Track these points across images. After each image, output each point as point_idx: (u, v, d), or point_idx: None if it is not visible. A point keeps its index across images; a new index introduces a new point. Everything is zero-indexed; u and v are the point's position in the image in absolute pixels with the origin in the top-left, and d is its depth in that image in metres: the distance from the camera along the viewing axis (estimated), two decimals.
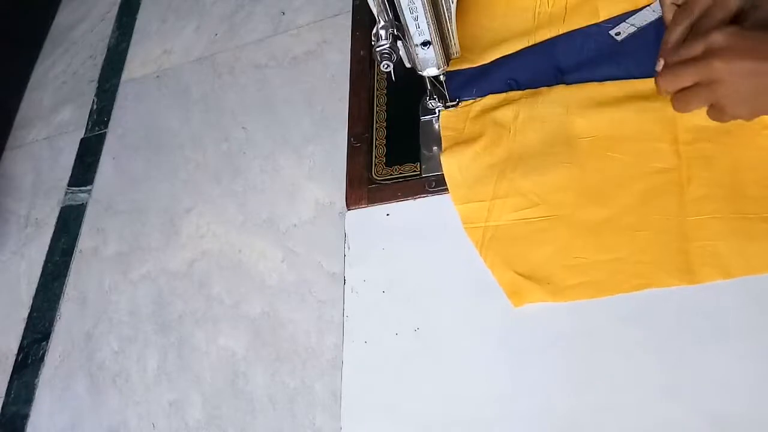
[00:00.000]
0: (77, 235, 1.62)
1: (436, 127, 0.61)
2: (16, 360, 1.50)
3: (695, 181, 0.49)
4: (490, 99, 0.60)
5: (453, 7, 0.51)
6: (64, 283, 1.56)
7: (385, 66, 0.51)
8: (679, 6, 0.52)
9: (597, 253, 0.50)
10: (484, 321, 0.50)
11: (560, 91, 0.57)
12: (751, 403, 0.42)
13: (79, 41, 2.04)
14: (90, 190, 1.68)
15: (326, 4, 1.62)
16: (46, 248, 1.64)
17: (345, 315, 0.54)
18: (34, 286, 1.60)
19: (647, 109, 0.53)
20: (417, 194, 0.58)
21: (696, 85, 0.47)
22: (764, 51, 0.43)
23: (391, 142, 0.62)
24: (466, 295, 0.52)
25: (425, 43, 0.52)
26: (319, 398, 1.19)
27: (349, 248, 0.57)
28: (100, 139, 1.75)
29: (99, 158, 1.72)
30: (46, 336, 1.50)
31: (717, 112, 0.47)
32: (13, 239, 1.71)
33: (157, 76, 1.78)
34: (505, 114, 0.58)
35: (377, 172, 0.60)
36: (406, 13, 0.49)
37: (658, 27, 0.56)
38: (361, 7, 0.73)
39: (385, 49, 0.50)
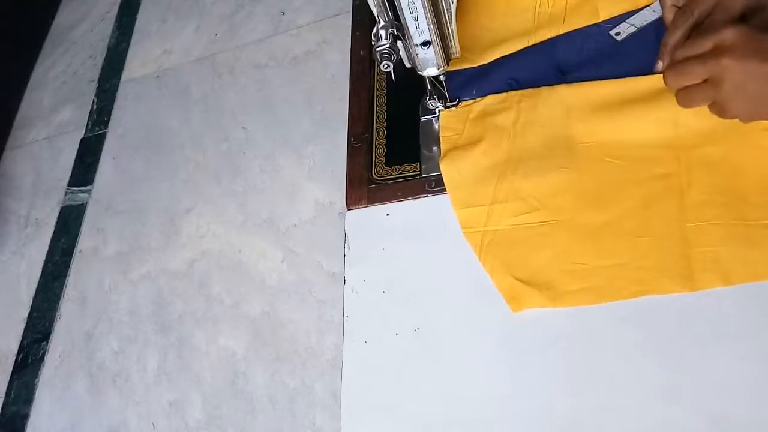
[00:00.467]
0: (77, 235, 1.62)
1: (436, 127, 0.60)
2: (16, 360, 1.50)
3: (695, 187, 0.49)
4: (491, 99, 0.60)
5: (453, 7, 0.51)
6: (64, 283, 1.56)
7: (385, 66, 0.51)
8: (679, 8, 0.52)
9: (597, 259, 0.49)
10: (484, 321, 0.50)
11: (560, 94, 0.57)
12: (751, 404, 0.42)
13: (79, 41, 2.04)
14: (90, 190, 1.68)
15: (326, 4, 1.62)
16: (46, 248, 1.64)
17: (345, 315, 0.54)
18: (34, 286, 1.59)
19: (647, 114, 0.53)
20: (417, 194, 0.58)
21: (703, 81, 0.46)
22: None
23: (391, 142, 0.62)
24: (466, 295, 0.52)
25: (425, 43, 0.52)
26: (319, 398, 1.19)
27: (349, 248, 0.57)
28: (100, 139, 1.75)
29: (99, 158, 1.72)
30: (46, 336, 1.50)
31: (718, 109, 0.47)
32: (13, 239, 1.71)
33: (157, 76, 1.78)
34: (506, 118, 0.58)
35: (377, 172, 0.60)
36: (406, 13, 0.49)
37: (658, 27, 0.56)
38: (361, 7, 0.73)
39: (385, 49, 0.50)
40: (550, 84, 0.58)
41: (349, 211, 0.60)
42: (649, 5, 0.58)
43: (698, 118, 0.51)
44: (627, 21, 0.59)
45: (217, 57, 1.71)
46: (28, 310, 1.56)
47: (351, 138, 0.64)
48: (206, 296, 1.39)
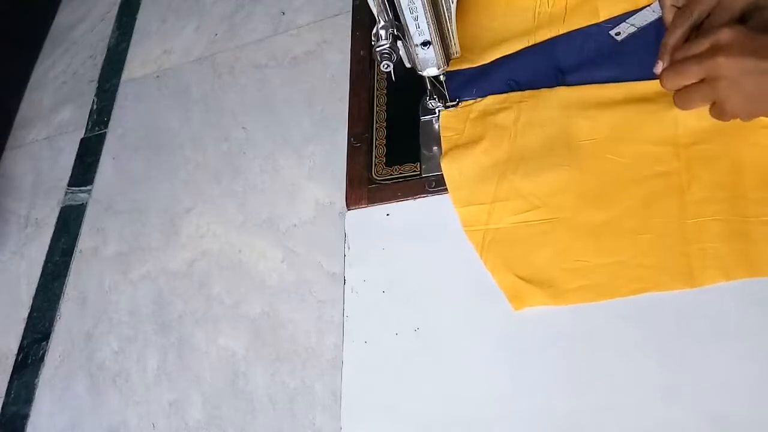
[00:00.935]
0: (77, 235, 1.62)
1: (436, 127, 0.61)
2: (16, 360, 1.50)
3: (696, 184, 0.49)
4: (491, 99, 0.60)
5: (453, 7, 0.51)
6: (64, 283, 1.56)
7: (385, 66, 0.51)
8: (679, 8, 0.52)
9: (598, 257, 0.49)
10: (484, 321, 0.50)
11: (561, 94, 0.57)
12: (751, 403, 0.42)
13: (79, 41, 2.04)
14: (90, 190, 1.68)
15: (326, 4, 1.62)
16: (46, 248, 1.64)
17: (345, 315, 0.54)
18: (34, 286, 1.60)
19: (647, 112, 0.53)
20: (417, 194, 0.58)
21: (700, 81, 0.47)
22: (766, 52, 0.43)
23: (391, 142, 0.62)
24: (466, 295, 0.52)
25: (425, 43, 0.52)
26: (319, 398, 1.19)
27: (349, 248, 0.57)
28: (100, 139, 1.75)
29: (99, 158, 1.72)
30: (46, 336, 1.50)
31: (717, 110, 0.47)
32: (13, 239, 1.71)
33: (157, 76, 1.78)
34: (506, 117, 0.58)
35: (377, 172, 0.60)
36: (406, 13, 0.49)
37: (658, 27, 0.56)
38: (361, 7, 0.73)
39: (385, 49, 0.50)
40: (550, 84, 0.58)
41: (349, 211, 0.60)
42: (649, 5, 0.58)
43: (698, 118, 0.51)
44: (627, 21, 0.59)
45: (217, 57, 1.71)
46: (28, 310, 1.56)
47: (351, 138, 0.64)
48: (206, 296, 1.39)
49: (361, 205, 0.59)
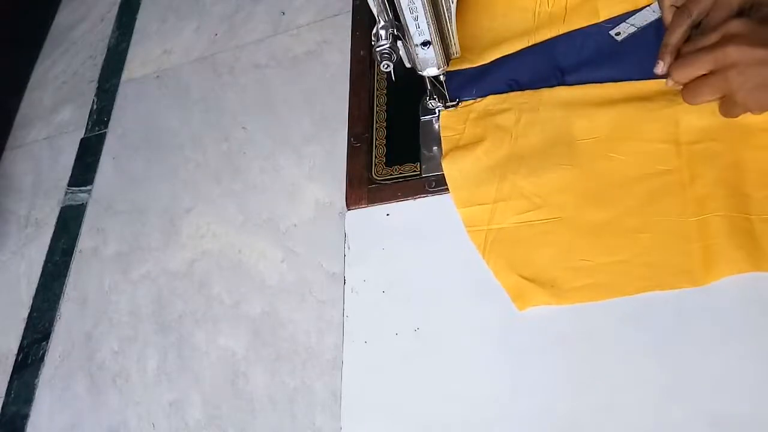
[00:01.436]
0: (77, 235, 1.62)
1: (436, 127, 0.61)
2: (16, 360, 1.50)
3: (698, 181, 0.49)
4: (491, 99, 0.60)
5: (453, 7, 0.51)
6: (64, 283, 1.56)
7: (385, 66, 0.51)
8: (678, 8, 0.52)
9: (601, 256, 0.49)
10: (484, 321, 0.50)
11: (561, 94, 0.57)
12: (752, 403, 0.42)
13: (79, 41, 2.04)
14: (90, 190, 1.68)
15: (326, 4, 1.62)
16: (46, 248, 1.64)
17: (345, 315, 0.54)
18: (34, 286, 1.59)
19: (647, 110, 0.53)
20: (417, 194, 0.58)
21: (709, 73, 0.46)
22: None
23: (391, 142, 0.62)
24: (466, 295, 0.52)
25: (425, 43, 0.52)
26: (319, 398, 1.19)
27: (349, 248, 0.57)
28: (100, 139, 1.75)
29: (99, 158, 1.72)
30: (46, 336, 1.50)
31: (728, 104, 0.47)
32: (13, 239, 1.71)
33: (157, 76, 1.78)
34: (507, 118, 0.58)
35: (377, 172, 0.60)
36: (406, 13, 0.49)
37: (658, 27, 0.56)
38: (361, 7, 0.73)
39: (385, 49, 0.50)
40: (550, 84, 0.58)
41: (349, 211, 0.60)
42: (648, 5, 0.58)
43: (699, 116, 0.51)
44: (627, 21, 0.59)
45: (217, 57, 1.71)
46: (28, 310, 1.56)
47: (351, 138, 0.64)
48: (206, 296, 1.39)
49: (361, 205, 0.59)
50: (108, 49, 1.94)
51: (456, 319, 0.51)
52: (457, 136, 0.59)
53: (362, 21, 0.71)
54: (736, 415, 0.41)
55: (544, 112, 0.57)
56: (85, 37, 2.03)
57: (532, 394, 0.46)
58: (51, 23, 2.13)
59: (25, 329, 1.54)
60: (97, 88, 1.87)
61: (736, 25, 0.45)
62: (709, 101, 0.49)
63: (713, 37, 0.47)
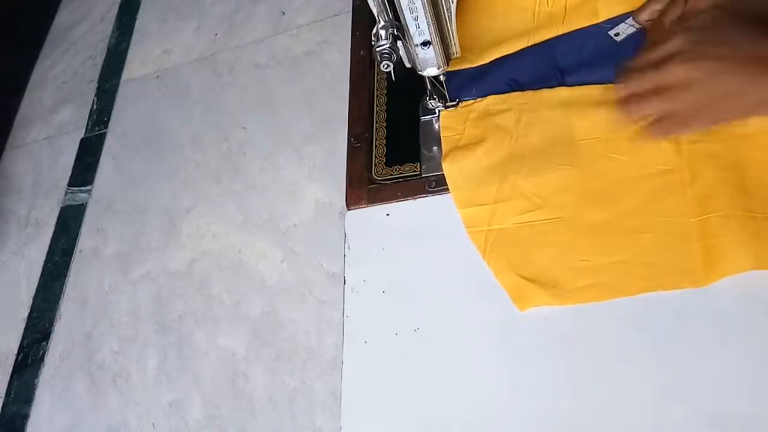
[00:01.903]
0: (77, 235, 1.62)
1: (436, 127, 0.61)
2: (16, 360, 1.50)
3: (699, 181, 0.49)
4: (491, 100, 0.60)
5: (453, 7, 0.51)
6: (64, 283, 1.56)
7: (385, 66, 0.51)
8: (653, 21, 0.54)
9: (602, 256, 0.49)
10: (484, 321, 0.50)
11: (561, 94, 0.57)
12: (752, 403, 0.42)
13: (79, 41, 2.04)
14: (90, 190, 1.68)
15: (326, 4, 1.62)
16: (46, 248, 1.64)
17: (345, 315, 0.54)
18: (34, 286, 1.59)
19: None
20: (417, 194, 0.58)
21: (653, 91, 0.46)
22: (719, 52, 0.44)
23: (391, 142, 0.62)
24: (466, 295, 0.52)
25: (425, 43, 0.52)
26: (319, 398, 1.19)
27: (349, 248, 0.57)
28: (100, 139, 1.75)
29: (99, 158, 1.72)
30: (46, 336, 1.50)
31: (676, 121, 0.46)
32: (13, 239, 1.71)
33: (157, 76, 1.78)
34: (507, 118, 0.58)
35: (377, 172, 0.60)
36: (406, 13, 0.49)
37: None
38: (361, 7, 0.73)
39: (385, 49, 0.50)
40: (550, 84, 0.58)
41: (349, 211, 0.60)
42: None
43: None
44: (626, 22, 0.59)
45: (217, 57, 1.71)
46: (28, 310, 1.56)
47: (351, 138, 0.64)
48: (206, 296, 1.39)
49: (361, 205, 0.59)
50: (108, 49, 1.94)
51: (456, 319, 0.51)
52: (457, 136, 0.59)
53: (362, 21, 0.71)
54: (736, 415, 0.41)
55: (544, 112, 0.57)
56: (85, 37, 2.04)
57: (532, 394, 0.46)
58: (51, 23, 2.13)
59: (25, 329, 1.54)
60: (97, 88, 1.87)
61: (677, 43, 0.45)
62: (643, 119, 0.48)
63: (657, 55, 0.46)
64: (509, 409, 0.46)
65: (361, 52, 0.69)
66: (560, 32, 0.60)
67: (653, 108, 0.47)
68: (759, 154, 0.48)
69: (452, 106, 0.61)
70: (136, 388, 1.35)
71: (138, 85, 1.80)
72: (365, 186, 0.60)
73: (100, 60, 1.94)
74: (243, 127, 1.56)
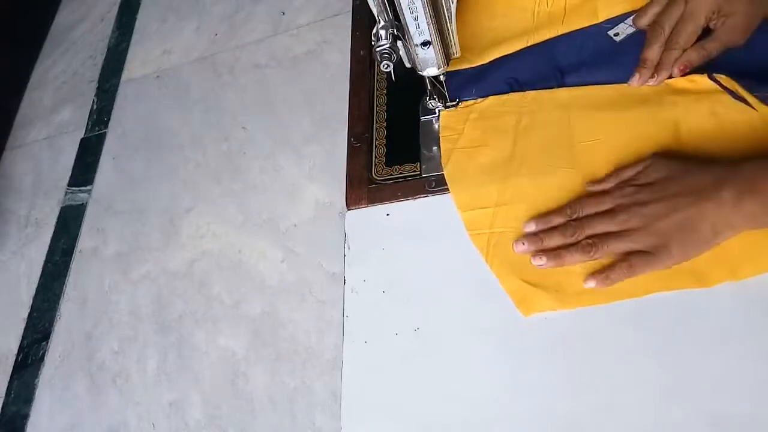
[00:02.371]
0: (77, 235, 1.62)
1: (436, 127, 0.61)
2: (16, 360, 1.50)
3: None
4: (491, 101, 0.60)
5: (453, 7, 0.51)
6: (64, 283, 1.56)
7: (385, 66, 0.51)
8: (651, 24, 0.55)
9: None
10: (484, 321, 0.50)
11: (561, 96, 0.57)
12: (751, 404, 0.42)
13: (79, 41, 2.04)
14: (90, 190, 1.68)
15: (326, 4, 1.62)
16: (46, 248, 1.64)
17: (345, 315, 0.54)
18: (34, 286, 1.59)
19: (647, 112, 0.53)
20: (417, 194, 0.58)
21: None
22: (671, 193, 0.46)
23: (391, 142, 0.62)
24: (466, 295, 0.52)
25: (425, 43, 0.52)
26: (319, 398, 1.19)
27: (349, 248, 0.57)
28: (100, 139, 1.75)
29: (99, 158, 1.72)
30: (46, 336, 1.50)
31: (637, 261, 0.47)
32: (13, 239, 1.71)
33: (157, 76, 1.78)
34: (507, 120, 0.58)
35: (377, 172, 0.60)
36: (406, 13, 0.49)
37: None
38: (361, 7, 0.73)
39: (385, 49, 0.50)
40: (550, 84, 0.58)
41: (349, 211, 0.60)
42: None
43: (699, 119, 0.51)
44: (625, 22, 0.59)
45: (217, 57, 1.71)
46: (28, 310, 1.56)
47: (351, 138, 0.64)
48: (206, 296, 1.39)
49: (361, 205, 0.59)
50: (108, 49, 1.94)
51: (456, 319, 0.51)
52: (457, 137, 0.59)
53: (362, 21, 0.71)
54: (736, 415, 0.41)
55: (544, 114, 0.57)
56: (85, 37, 2.03)
57: (532, 394, 0.46)
58: (51, 23, 2.13)
59: (25, 329, 1.54)
60: (97, 88, 1.87)
61: (630, 191, 0.48)
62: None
63: (604, 204, 0.49)
64: (509, 409, 0.46)
65: (361, 52, 0.69)
66: (560, 32, 0.61)
67: (616, 249, 0.48)
68: (760, 154, 0.48)
69: (452, 106, 0.61)
70: (136, 388, 1.35)
71: (138, 85, 1.80)
72: (365, 186, 0.60)
73: (100, 60, 1.94)
74: (243, 127, 1.56)
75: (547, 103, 0.57)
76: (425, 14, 0.49)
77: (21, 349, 1.51)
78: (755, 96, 0.49)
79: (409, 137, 0.61)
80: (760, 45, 0.53)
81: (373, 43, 0.51)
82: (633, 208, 0.47)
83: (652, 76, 0.54)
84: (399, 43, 0.52)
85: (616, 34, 0.58)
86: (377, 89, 0.66)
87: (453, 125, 0.60)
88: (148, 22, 1.93)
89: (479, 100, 0.60)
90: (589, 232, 0.49)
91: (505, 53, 0.62)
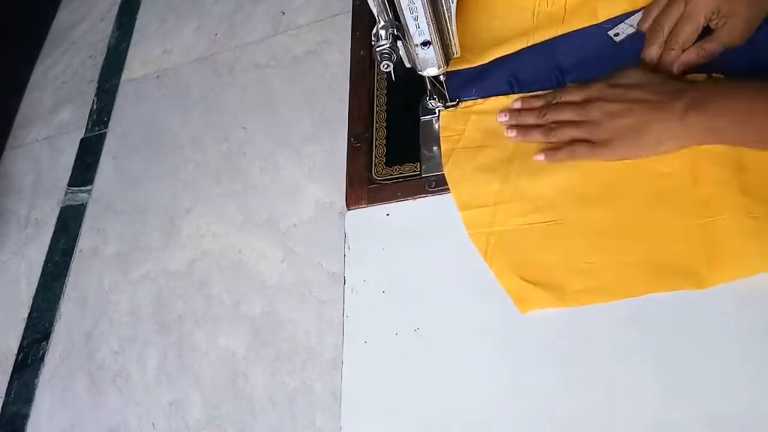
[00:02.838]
0: (77, 235, 1.62)
1: (436, 127, 0.61)
2: (16, 360, 1.50)
3: (701, 183, 0.49)
4: (492, 102, 0.60)
5: (453, 7, 0.51)
6: (64, 283, 1.56)
7: (385, 66, 0.51)
8: (651, 24, 0.55)
9: (604, 258, 0.49)
10: (484, 321, 0.50)
11: None
12: (750, 404, 0.42)
13: (79, 41, 2.04)
14: (90, 190, 1.68)
15: (326, 4, 1.62)
16: (46, 248, 1.64)
17: (345, 315, 0.54)
18: (34, 286, 1.59)
19: None
20: (417, 194, 0.58)
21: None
22: (631, 95, 0.51)
23: (391, 142, 0.62)
24: (466, 295, 0.52)
25: (425, 43, 0.52)
26: (319, 398, 1.19)
27: (349, 248, 0.57)
28: (100, 139, 1.75)
29: (99, 158, 1.72)
30: (46, 336, 1.50)
31: (583, 149, 0.52)
32: (13, 239, 1.71)
33: (157, 76, 1.78)
34: None
35: (377, 172, 0.60)
36: (406, 13, 0.49)
37: None
38: (361, 7, 0.73)
39: (385, 49, 0.50)
40: (550, 84, 0.58)
41: (349, 211, 0.60)
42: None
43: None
44: (625, 22, 0.59)
45: (217, 57, 1.71)
46: (28, 310, 1.56)
47: (351, 138, 0.64)
48: (206, 296, 1.39)
49: (361, 205, 0.59)
50: (108, 49, 1.94)
51: (456, 319, 0.51)
52: (457, 137, 0.59)
53: (362, 21, 0.71)
54: (736, 415, 0.41)
55: None
56: (85, 37, 2.04)
57: (531, 393, 0.46)
58: (51, 23, 2.13)
59: (25, 329, 1.54)
60: (97, 88, 1.87)
61: (594, 91, 0.53)
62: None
63: (578, 95, 0.54)
64: (509, 409, 0.47)
65: (361, 52, 0.69)
66: (560, 32, 0.60)
67: (569, 135, 0.53)
68: (760, 155, 0.48)
69: (452, 106, 0.61)
70: (136, 388, 1.35)
71: (138, 85, 1.80)
72: (365, 186, 0.60)
73: (100, 60, 1.94)
74: (243, 127, 1.56)
75: None
76: (425, 14, 0.49)
77: (21, 349, 1.52)
78: None
79: (409, 137, 0.61)
80: (760, 45, 0.53)
81: (373, 43, 0.51)
82: (597, 103, 0.52)
83: None
84: (399, 43, 0.52)
85: (616, 34, 0.58)
86: (377, 89, 0.66)
87: (453, 125, 0.60)
88: (148, 22, 1.93)
89: (479, 100, 0.60)
90: (555, 117, 0.54)
91: (506, 53, 0.62)
